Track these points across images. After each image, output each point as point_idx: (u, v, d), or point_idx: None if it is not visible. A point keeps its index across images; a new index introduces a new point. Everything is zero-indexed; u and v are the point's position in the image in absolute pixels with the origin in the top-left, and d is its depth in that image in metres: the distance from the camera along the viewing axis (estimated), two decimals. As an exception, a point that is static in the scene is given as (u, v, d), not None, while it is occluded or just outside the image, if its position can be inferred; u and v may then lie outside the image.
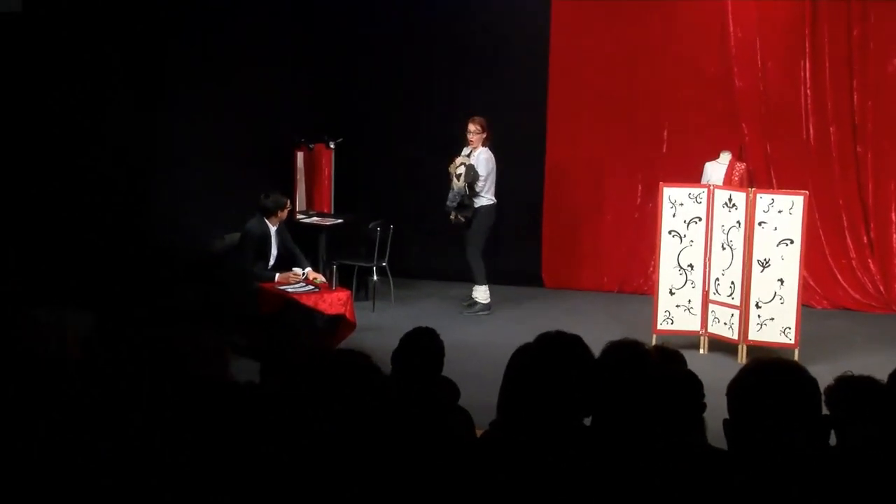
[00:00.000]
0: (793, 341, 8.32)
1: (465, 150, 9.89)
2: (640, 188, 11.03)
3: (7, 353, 2.83)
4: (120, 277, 7.88)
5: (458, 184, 9.78)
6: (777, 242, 8.29)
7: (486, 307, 10.12)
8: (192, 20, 9.00)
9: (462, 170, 9.76)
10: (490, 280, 10.20)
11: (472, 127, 9.82)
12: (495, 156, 9.94)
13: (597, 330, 7.89)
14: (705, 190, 8.72)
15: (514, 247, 11.21)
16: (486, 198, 9.90)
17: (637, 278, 11.05)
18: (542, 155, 11.18)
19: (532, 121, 11.05)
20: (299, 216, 10.37)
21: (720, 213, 8.56)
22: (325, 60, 11.27)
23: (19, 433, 2.74)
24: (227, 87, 9.46)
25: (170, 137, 8.85)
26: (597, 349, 3.41)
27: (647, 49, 10.78)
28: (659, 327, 8.79)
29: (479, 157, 9.78)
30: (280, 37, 10.38)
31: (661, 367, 3.63)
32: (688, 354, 4.15)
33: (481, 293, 10.13)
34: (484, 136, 9.82)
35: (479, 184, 9.78)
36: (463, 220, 9.90)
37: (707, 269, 8.68)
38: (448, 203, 9.86)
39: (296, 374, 3.55)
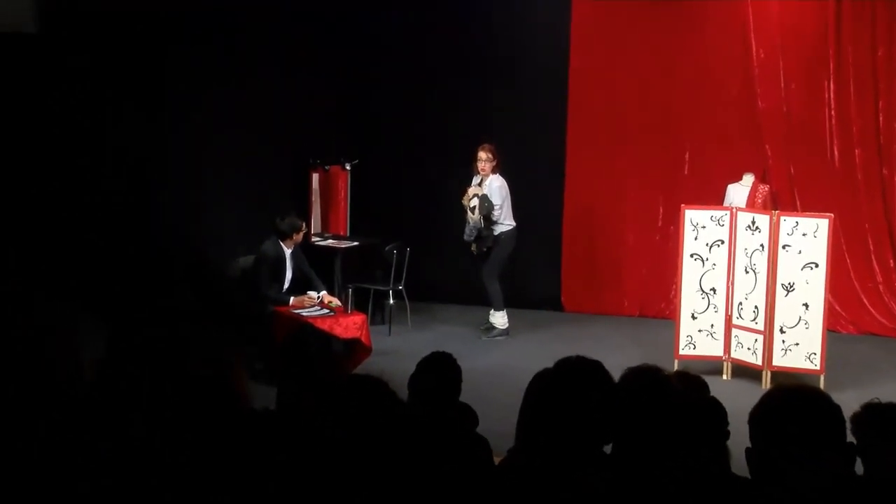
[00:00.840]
0: (818, 367, 8.27)
1: (476, 180, 9.90)
2: (661, 210, 11.02)
3: (10, 354, 2.84)
4: (131, 298, 7.93)
5: (473, 217, 9.80)
6: (801, 266, 8.26)
7: (505, 332, 10.11)
8: (207, 38, 9.07)
9: (475, 202, 9.77)
10: (508, 304, 10.20)
11: (483, 155, 9.81)
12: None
13: (617, 355, 7.85)
14: (728, 212, 8.71)
15: (532, 270, 11.20)
16: (505, 224, 9.91)
17: (658, 302, 11.02)
18: (562, 176, 11.18)
19: (552, 143, 11.07)
20: (314, 239, 10.40)
21: (743, 235, 8.54)
22: (342, 81, 11.33)
23: (19, 433, 2.76)
24: (242, 106, 9.54)
25: (183, 158, 8.91)
26: (617, 375, 3.39)
27: (669, 70, 10.79)
28: (681, 352, 8.76)
29: (492, 186, 9.79)
30: (296, 56, 10.44)
31: (683, 393, 3.60)
32: (710, 380, 4.13)
33: (499, 318, 10.13)
34: (495, 163, 9.82)
35: (496, 213, 9.79)
36: (484, 250, 9.93)
37: (730, 293, 8.66)
38: (465, 237, 9.91)
39: (312, 399, 3.56)
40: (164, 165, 8.72)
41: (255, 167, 9.76)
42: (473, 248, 9.99)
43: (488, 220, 9.79)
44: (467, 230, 9.88)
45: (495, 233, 9.89)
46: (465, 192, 9.91)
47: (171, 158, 8.79)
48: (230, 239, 9.32)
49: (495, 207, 9.76)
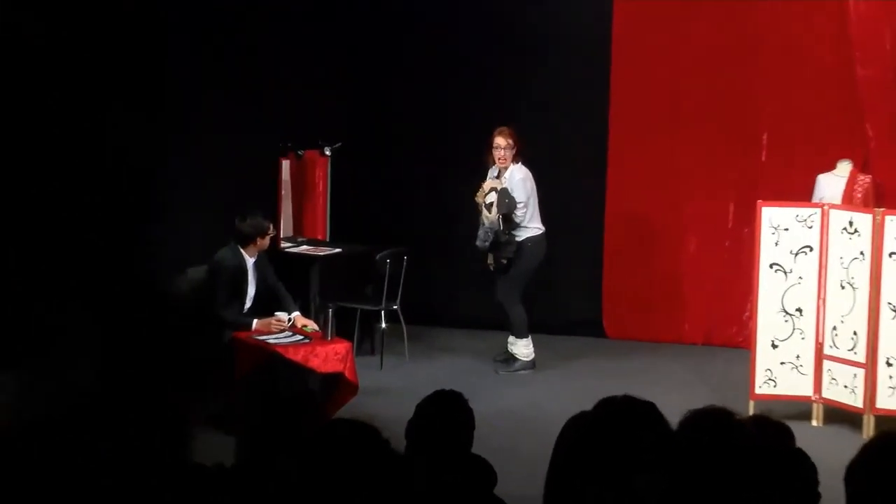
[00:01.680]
0: (935, 411, 8.28)
1: (493, 171, 9.90)
2: (731, 209, 11.01)
3: None
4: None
5: (489, 216, 9.76)
6: (913, 280, 8.27)
7: (529, 364, 10.11)
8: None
9: (493, 197, 9.74)
10: (534, 329, 10.20)
11: (500, 140, 9.80)
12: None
13: (675, 394, 7.81)
14: (818, 210, 8.71)
15: (566, 286, 11.21)
16: (531, 227, 9.90)
17: (728, 326, 11.02)
18: (603, 170, 11.18)
19: (590, 129, 11.07)
20: (284, 244, 10.42)
21: (838, 240, 8.54)
22: (326, 37, 11.32)
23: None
24: (189, 70, 9.55)
25: (104, 137, 8.96)
26: (675, 420, 3.40)
27: (739, 35, 10.76)
28: (757, 391, 8.75)
29: (513, 179, 9.79)
30: (268, 9, 10.45)
31: (761, 443, 3.61)
32: (796, 427, 4.12)
33: (521, 347, 10.12)
34: (515, 150, 9.82)
35: (519, 212, 9.78)
36: (504, 262, 9.89)
37: (821, 315, 8.65)
38: (479, 242, 9.84)
39: (281, 454, 3.55)
40: (87, 147, 8.77)
41: (207, 152, 9.75)
42: (490, 259, 9.97)
43: (509, 221, 9.77)
44: (481, 234, 9.86)
45: (518, 238, 9.88)
46: (479, 187, 9.91)
47: (90, 139, 8.83)
48: (175, 245, 9.33)
49: (518, 205, 9.74)
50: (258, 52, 10.35)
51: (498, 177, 9.86)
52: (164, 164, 9.34)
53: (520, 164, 9.84)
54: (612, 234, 11.28)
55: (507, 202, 9.72)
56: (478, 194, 9.89)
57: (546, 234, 10.01)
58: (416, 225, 11.28)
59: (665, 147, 11.06)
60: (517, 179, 9.79)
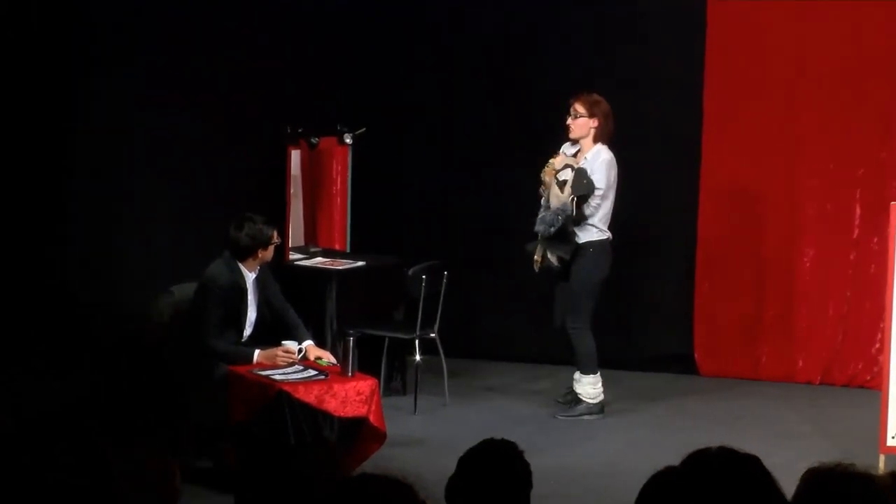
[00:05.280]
0: None
1: (569, 148, 9.86)
2: (857, 212, 10.97)
3: None
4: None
5: (561, 196, 9.69)
6: None
7: (596, 408, 10.08)
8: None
9: (568, 174, 9.72)
10: (606, 364, 10.20)
11: (577, 106, 9.77)
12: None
13: (786, 446, 7.77)
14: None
15: (649, 310, 11.23)
16: (596, 228, 9.85)
17: (853, 362, 10.98)
18: (696, 168, 11.17)
19: (679, 117, 11.09)
20: (293, 256, 10.46)
21: None
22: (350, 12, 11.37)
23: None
24: (173, 48, 9.62)
25: (74, 129, 9.02)
26: (787, 478, 3.38)
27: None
28: (889, 442, 8.67)
29: (598, 159, 9.75)
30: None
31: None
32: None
33: (588, 386, 10.08)
34: (596, 124, 9.80)
35: (593, 202, 9.76)
36: (557, 263, 9.82)
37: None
38: (540, 227, 9.73)
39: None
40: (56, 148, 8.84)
41: (195, 142, 9.80)
42: (537, 256, 9.83)
43: (580, 210, 9.69)
44: (547, 217, 9.66)
45: (579, 240, 9.81)
46: (550, 162, 9.79)
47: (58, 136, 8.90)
48: (155, 258, 9.39)
49: (597, 191, 9.70)
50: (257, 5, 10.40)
51: (575, 156, 9.83)
52: (136, 151, 9.32)
53: (605, 145, 9.77)
54: (707, 245, 11.26)
55: (585, 183, 9.62)
56: (546, 169, 9.81)
57: (612, 243, 9.95)
58: (459, 233, 11.32)
59: (773, 134, 11.04)
60: (601, 161, 9.73)
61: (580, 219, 9.72)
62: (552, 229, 9.66)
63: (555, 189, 9.69)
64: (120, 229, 9.20)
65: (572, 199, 9.64)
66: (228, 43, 10.09)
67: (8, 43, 8.67)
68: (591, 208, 9.75)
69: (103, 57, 9.18)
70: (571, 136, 9.79)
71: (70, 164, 9.04)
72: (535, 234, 9.82)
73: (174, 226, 9.55)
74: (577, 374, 10.13)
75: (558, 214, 9.64)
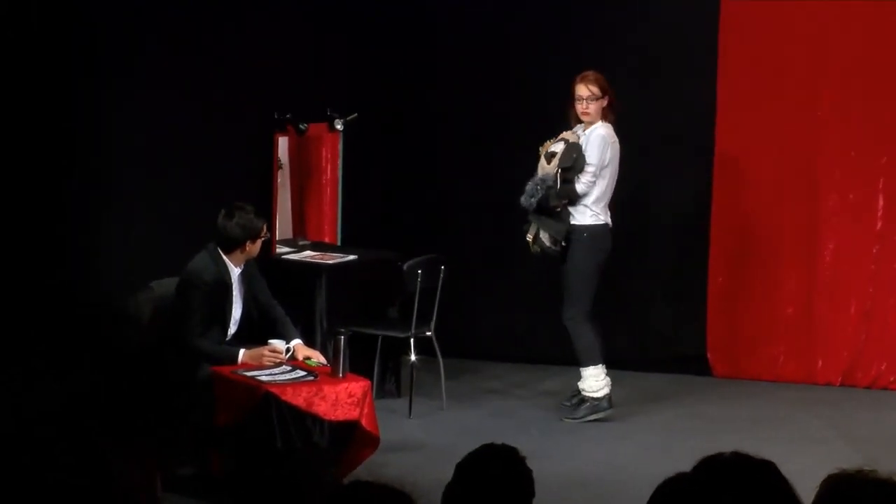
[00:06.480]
0: None
1: (580, 129, 9.87)
2: (880, 202, 10.98)
3: None
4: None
5: (547, 168, 9.74)
6: None
7: (604, 402, 10.04)
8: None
9: (560, 147, 9.76)
10: (615, 365, 10.22)
11: (582, 90, 9.78)
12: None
13: (803, 451, 7.78)
14: None
15: (660, 308, 11.28)
16: (590, 210, 9.86)
17: (876, 362, 11.01)
18: (709, 157, 11.21)
19: (692, 101, 11.13)
20: (281, 250, 10.48)
21: None
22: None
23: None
24: (152, 27, 9.65)
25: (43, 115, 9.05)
26: (805, 486, 3.42)
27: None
28: (915, 449, 8.74)
29: (591, 134, 9.79)
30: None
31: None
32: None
33: (591, 378, 9.99)
34: (605, 102, 9.84)
35: (584, 178, 9.74)
36: (551, 244, 9.80)
37: None
38: (523, 199, 9.72)
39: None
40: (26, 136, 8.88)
41: (178, 129, 9.80)
42: (530, 234, 9.76)
43: (568, 184, 9.69)
44: (529, 187, 9.60)
45: (573, 221, 9.80)
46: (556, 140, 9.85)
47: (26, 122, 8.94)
48: (134, 251, 9.43)
49: (587, 168, 9.74)
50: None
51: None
52: (114, 138, 9.34)
53: (608, 124, 9.80)
54: (720, 238, 11.29)
55: (573, 157, 9.64)
56: (544, 145, 9.82)
57: (611, 230, 9.96)
58: (457, 226, 11.35)
59: (790, 123, 11.07)
60: (596, 136, 9.74)
61: (567, 194, 9.71)
62: (532, 200, 9.68)
63: (542, 161, 9.72)
64: (91, 217, 9.22)
65: (557, 171, 9.67)
66: (214, 25, 10.10)
67: (8, 43, 8.78)
68: (581, 185, 9.72)
69: (103, 57, 9.22)
70: (588, 120, 9.79)
71: (70, 164, 9.09)
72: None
73: (151, 216, 9.55)
74: (581, 371, 10.04)
75: (537, 185, 9.67)
